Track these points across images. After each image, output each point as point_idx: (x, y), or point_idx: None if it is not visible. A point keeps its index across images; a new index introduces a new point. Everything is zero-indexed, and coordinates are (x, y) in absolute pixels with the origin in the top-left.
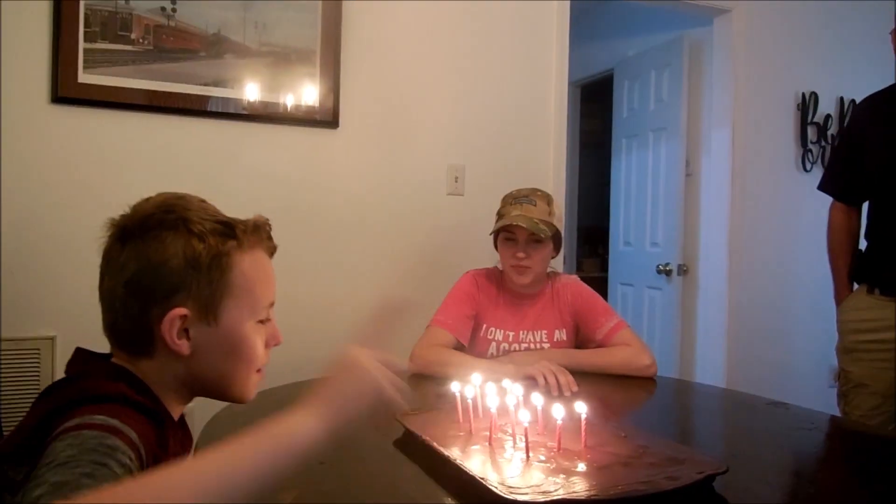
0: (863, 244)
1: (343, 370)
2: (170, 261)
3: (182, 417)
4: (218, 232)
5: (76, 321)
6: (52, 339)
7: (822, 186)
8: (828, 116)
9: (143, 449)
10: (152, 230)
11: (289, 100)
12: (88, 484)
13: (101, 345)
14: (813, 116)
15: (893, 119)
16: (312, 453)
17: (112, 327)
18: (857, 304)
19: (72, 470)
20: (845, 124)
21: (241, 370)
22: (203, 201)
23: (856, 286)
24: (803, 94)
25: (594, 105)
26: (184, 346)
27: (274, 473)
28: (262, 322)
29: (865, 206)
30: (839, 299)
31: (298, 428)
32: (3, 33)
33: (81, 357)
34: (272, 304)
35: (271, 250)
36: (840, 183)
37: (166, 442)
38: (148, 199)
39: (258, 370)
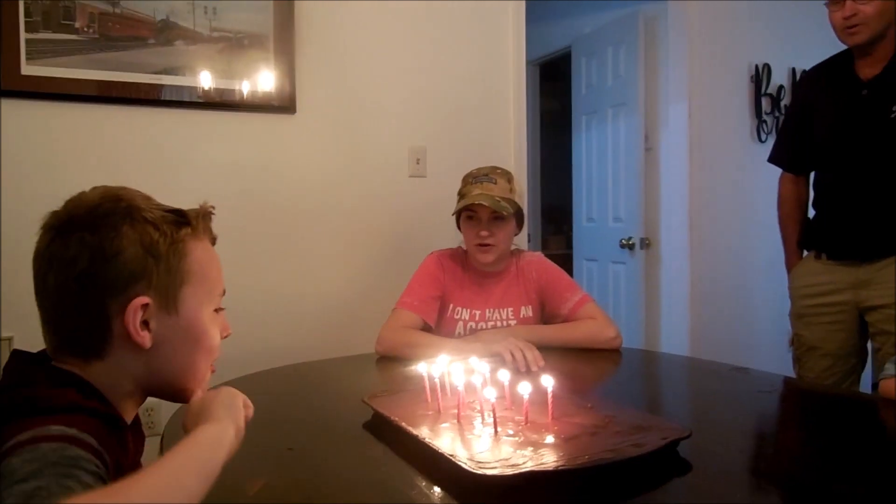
0: (811, 214)
1: (218, 395)
2: (126, 250)
3: (136, 417)
4: (170, 220)
5: (34, 321)
6: (10, 339)
7: (772, 158)
8: (780, 87)
9: (105, 455)
10: (102, 220)
11: (244, 86)
12: (62, 493)
13: None
14: (766, 88)
15: (836, 88)
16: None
17: (57, 329)
18: (806, 270)
19: (39, 482)
20: (792, 96)
21: (200, 362)
22: (144, 195)
23: (805, 253)
24: (756, 66)
25: (553, 84)
26: (146, 338)
27: (211, 477)
28: (216, 311)
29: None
30: (790, 266)
31: (223, 437)
32: None
33: (19, 360)
34: (224, 294)
35: (213, 240)
36: (789, 154)
37: (126, 444)
38: (85, 193)
39: (211, 363)
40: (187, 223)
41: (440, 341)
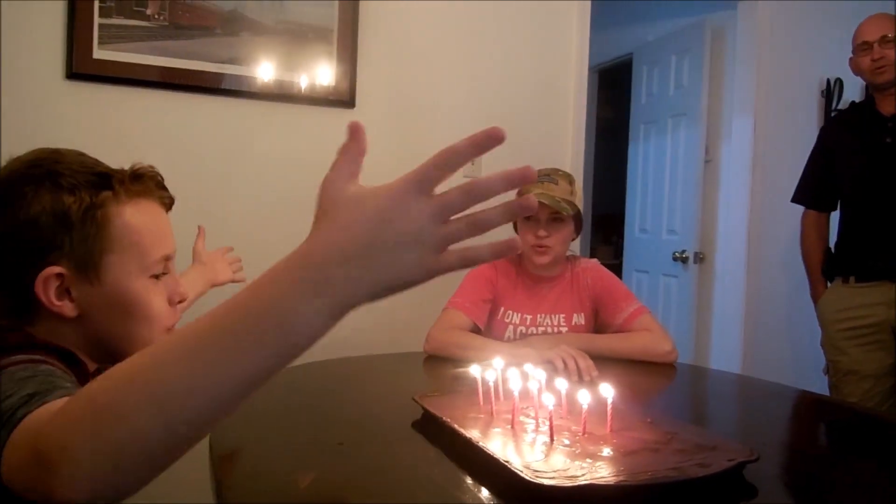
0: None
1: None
2: (38, 219)
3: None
4: (91, 184)
5: None
6: None
7: (796, 199)
8: (852, 103)
9: (73, 376)
10: (16, 188)
11: (304, 79)
12: (58, 393)
13: None
14: (838, 103)
15: (861, 126)
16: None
17: None
18: (836, 297)
19: (28, 387)
20: (816, 139)
21: (140, 330)
22: (82, 154)
23: (829, 284)
24: (828, 81)
25: (609, 91)
26: (66, 307)
27: (265, 365)
28: (157, 277)
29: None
30: (816, 297)
31: (298, 315)
32: (20, 8)
33: None
34: (169, 258)
35: (165, 201)
36: (813, 192)
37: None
38: (19, 158)
39: (169, 330)
40: (109, 187)
41: (490, 344)
